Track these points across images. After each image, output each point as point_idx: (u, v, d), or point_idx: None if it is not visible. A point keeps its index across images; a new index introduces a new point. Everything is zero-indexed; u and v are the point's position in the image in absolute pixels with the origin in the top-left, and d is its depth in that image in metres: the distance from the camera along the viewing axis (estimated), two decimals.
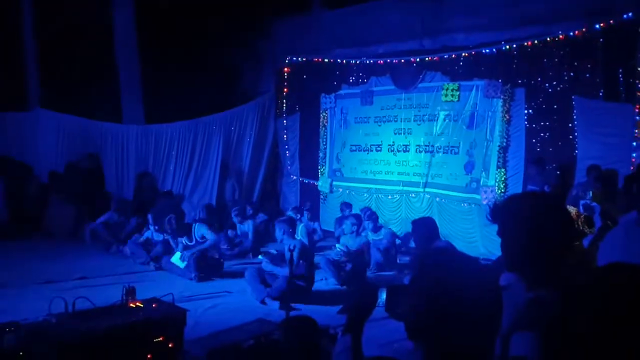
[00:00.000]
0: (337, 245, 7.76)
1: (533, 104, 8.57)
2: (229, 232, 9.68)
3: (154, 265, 8.14)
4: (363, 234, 8.25)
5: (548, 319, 1.65)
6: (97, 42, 11.93)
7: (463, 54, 9.31)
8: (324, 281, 7.40)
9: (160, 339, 3.68)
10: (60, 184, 11.04)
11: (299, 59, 11.87)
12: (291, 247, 6.09)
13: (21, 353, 3.14)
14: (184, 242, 7.87)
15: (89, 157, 11.51)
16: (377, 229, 8.79)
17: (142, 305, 3.94)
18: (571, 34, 7.92)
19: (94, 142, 11.72)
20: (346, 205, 9.99)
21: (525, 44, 8.44)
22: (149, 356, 3.60)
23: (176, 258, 7.63)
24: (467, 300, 1.34)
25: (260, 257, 7.00)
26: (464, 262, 1.45)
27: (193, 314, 5.61)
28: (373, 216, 8.89)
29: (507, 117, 8.81)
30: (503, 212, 1.90)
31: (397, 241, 8.90)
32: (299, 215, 8.91)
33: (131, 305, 3.97)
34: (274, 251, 7.38)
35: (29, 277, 7.13)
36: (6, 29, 11.58)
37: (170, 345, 3.72)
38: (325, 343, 3.57)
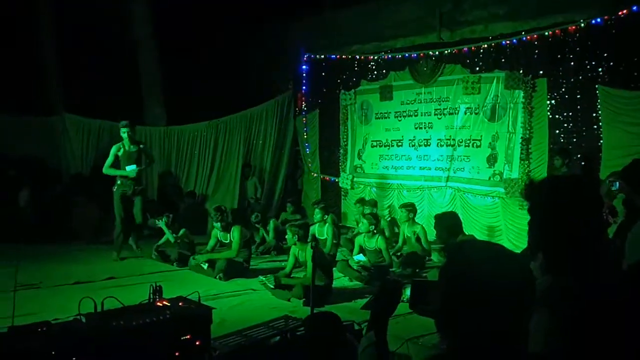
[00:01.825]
0: (354, 257, 7.70)
1: (555, 94, 8.45)
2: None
3: (178, 264, 8.25)
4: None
5: (567, 305, 1.64)
6: (118, 45, 12.11)
7: (483, 46, 9.21)
8: (344, 278, 7.44)
9: (188, 337, 3.73)
10: (86, 186, 11.23)
11: (318, 56, 11.89)
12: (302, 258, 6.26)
13: (53, 352, 3.21)
14: (217, 236, 8.03)
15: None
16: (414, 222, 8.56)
17: (169, 304, 4.00)
18: (593, 22, 7.78)
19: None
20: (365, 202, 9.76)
21: (546, 33, 8.31)
22: (176, 354, 3.66)
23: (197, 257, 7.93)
24: (496, 290, 1.33)
25: (261, 278, 6.94)
26: (491, 251, 1.43)
27: (219, 311, 5.68)
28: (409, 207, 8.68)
29: (530, 109, 8.69)
30: (537, 191, 1.89)
31: None
32: (326, 216, 8.75)
33: (158, 304, 4.03)
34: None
35: (58, 278, 7.27)
36: (30, 35, 11.82)
37: (197, 343, 3.77)
38: (349, 338, 3.59)
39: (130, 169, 8.43)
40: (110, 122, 11.82)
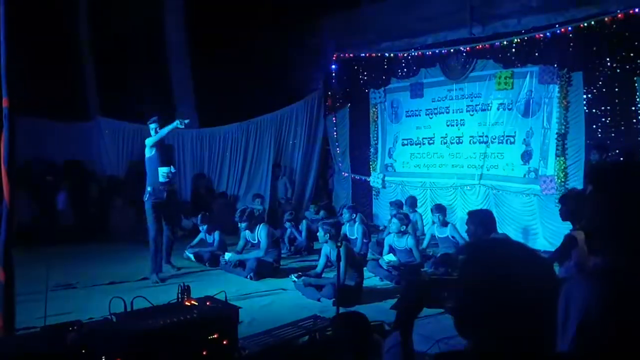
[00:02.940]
0: (385, 257, 7.63)
1: (592, 88, 8.20)
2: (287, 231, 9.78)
3: (209, 265, 8.34)
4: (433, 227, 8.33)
5: (610, 272, 1.57)
6: (149, 50, 12.32)
7: (515, 40, 9.00)
8: (375, 278, 7.38)
9: (215, 336, 3.75)
10: (121, 188, 11.45)
11: (347, 55, 11.84)
12: (333, 257, 6.20)
13: (83, 350, 3.27)
14: (246, 237, 8.06)
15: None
16: (444, 224, 8.25)
17: (196, 304, 4.03)
18: (630, 12, 7.51)
19: None
20: (396, 205, 9.44)
21: (581, 25, 8.07)
22: (204, 353, 3.68)
23: (228, 256, 7.98)
24: (520, 292, 1.28)
25: (293, 277, 6.96)
26: (518, 252, 1.38)
27: (249, 311, 5.72)
28: (440, 208, 8.41)
29: (565, 103, 8.47)
30: (607, 175, 1.82)
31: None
32: (354, 215, 8.78)
33: (186, 303, 4.07)
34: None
35: (94, 279, 7.41)
36: (65, 43, 12.13)
37: (224, 342, 3.78)
38: (377, 338, 3.53)
39: (164, 170, 7.59)
40: (142, 125, 12.02)
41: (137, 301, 3.91)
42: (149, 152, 7.71)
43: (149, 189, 7.63)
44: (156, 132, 7.71)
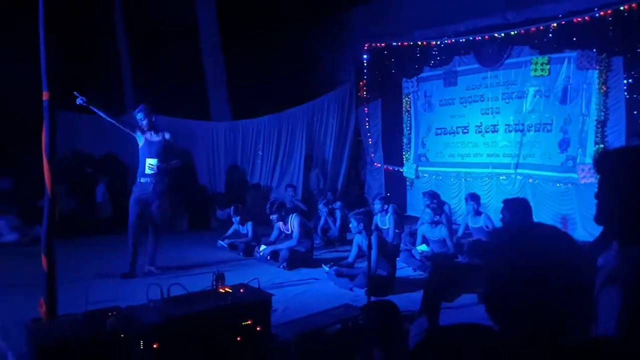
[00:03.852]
0: (418, 248, 7.58)
1: (633, 72, 7.95)
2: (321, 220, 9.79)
3: (244, 255, 8.45)
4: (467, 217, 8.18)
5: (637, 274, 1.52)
6: (183, 44, 12.50)
7: (552, 25, 8.78)
8: (408, 268, 7.35)
9: (249, 322, 3.81)
10: None
11: (378, 44, 11.75)
12: (365, 246, 6.13)
13: (122, 335, 3.37)
14: (279, 227, 8.12)
15: (181, 154, 11.99)
16: (478, 213, 8.04)
17: (230, 291, 4.10)
18: None
19: (186, 140, 12.29)
20: (430, 195, 9.22)
21: (622, 8, 7.81)
22: (238, 339, 3.74)
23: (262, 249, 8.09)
24: (554, 279, 1.25)
25: (325, 267, 6.94)
26: (552, 237, 1.35)
27: (283, 299, 5.77)
28: (474, 197, 8.17)
29: (604, 89, 8.23)
30: (613, 161, 1.77)
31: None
32: (386, 206, 8.75)
33: (221, 290, 4.14)
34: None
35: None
36: (102, 39, 12.40)
37: (258, 329, 3.84)
38: (408, 327, 3.52)
39: (151, 162, 7.10)
40: (177, 118, 12.23)
41: (174, 288, 4.00)
42: (138, 142, 7.34)
43: (141, 180, 7.30)
44: (141, 123, 7.24)
